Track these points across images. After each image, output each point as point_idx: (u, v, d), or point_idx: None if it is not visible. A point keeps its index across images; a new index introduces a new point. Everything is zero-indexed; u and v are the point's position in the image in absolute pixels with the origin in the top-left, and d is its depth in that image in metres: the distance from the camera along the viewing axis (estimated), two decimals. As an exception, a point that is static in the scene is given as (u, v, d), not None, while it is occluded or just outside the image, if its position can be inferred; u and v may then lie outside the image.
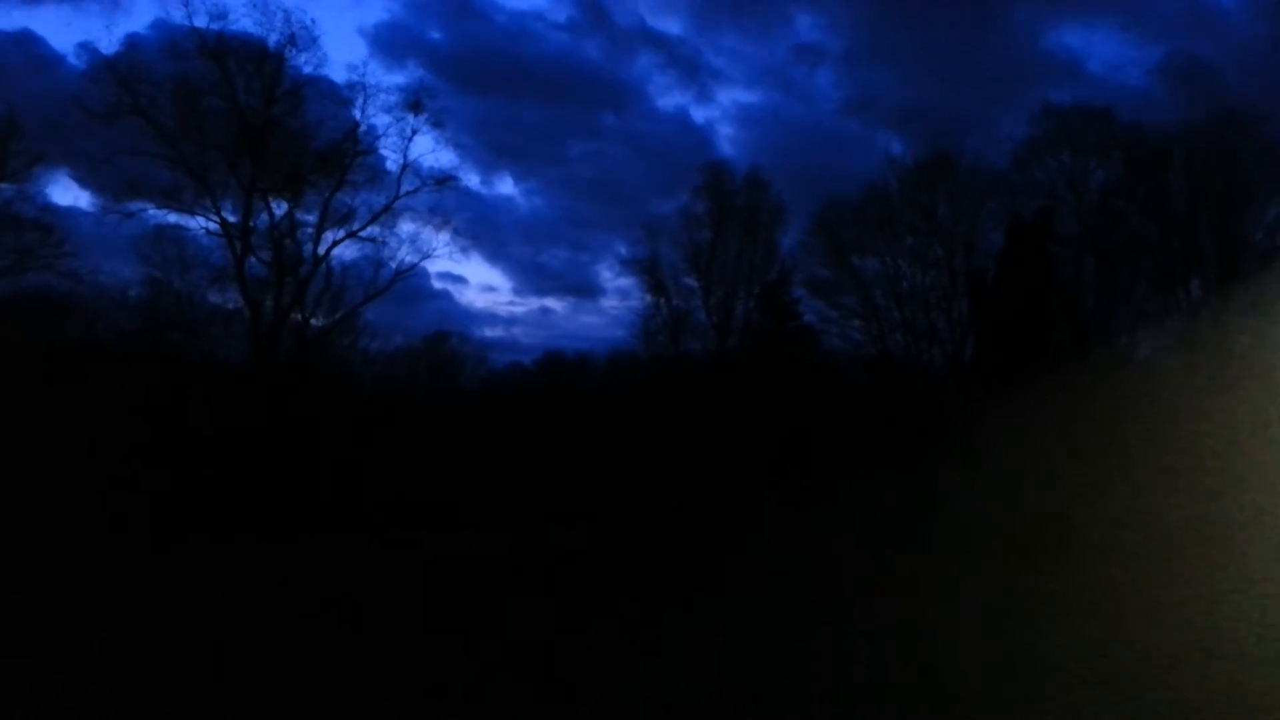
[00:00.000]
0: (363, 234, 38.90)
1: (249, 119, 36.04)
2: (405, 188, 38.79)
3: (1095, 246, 40.46)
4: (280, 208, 37.56)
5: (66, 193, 73.99)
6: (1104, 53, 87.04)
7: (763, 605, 13.57)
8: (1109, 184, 41.07)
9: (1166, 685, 8.35)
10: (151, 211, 36.09)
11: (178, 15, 41.99)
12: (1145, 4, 74.19)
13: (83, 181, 41.89)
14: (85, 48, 68.78)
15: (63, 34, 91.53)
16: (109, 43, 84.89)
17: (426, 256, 40.79)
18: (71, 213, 47.87)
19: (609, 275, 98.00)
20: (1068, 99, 47.50)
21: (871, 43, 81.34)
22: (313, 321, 39.26)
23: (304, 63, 38.28)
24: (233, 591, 17.36)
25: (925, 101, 71.07)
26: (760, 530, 24.64)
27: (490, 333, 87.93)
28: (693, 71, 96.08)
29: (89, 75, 35.64)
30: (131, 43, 38.78)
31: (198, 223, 36.77)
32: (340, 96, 39.04)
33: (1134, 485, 16.92)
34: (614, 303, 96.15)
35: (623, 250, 74.93)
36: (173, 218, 36.68)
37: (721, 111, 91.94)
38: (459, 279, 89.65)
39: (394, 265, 39.51)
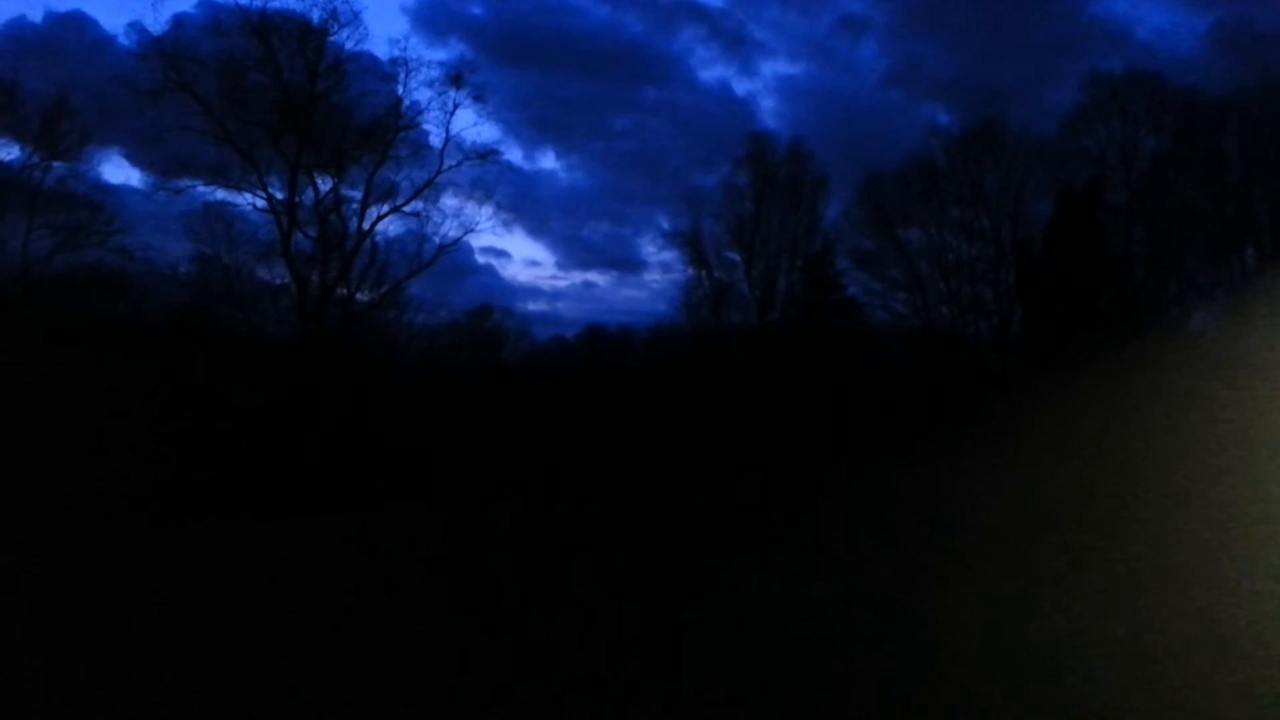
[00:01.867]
0: (406, 209, 39.34)
1: (293, 95, 36.41)
2: (448, 162, 39.09)
3: (1146, 216, 39.69)
4: (325, 183, 38.06)
5: (118, 171, 75.27)
6: (1153, 19, 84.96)
7: (797, 583, 13.55)
8: (1160, 152, 40.19)
9: (1220, 671, 8.23)
10: (200, 188, 36.65)
11: (222, -8, 42.05)
12: (1196, -33, 72.19)
13: (133, 159, 42.71)
14: (134, 27, 69.54)
15: (114, 14, 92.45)
16: (156, 22, 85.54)
17: (469, 231, 41.18)
18: (123, 190, 48.90)
19: (651, 249, 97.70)
20: (1116, 67, 46.51)
21: (916, 12, 79.85)
22: (358, 296, 39.75)
23: (346, 38, 38.34)
24: (282, 564, 17.71)
25: (970, 71, 69.74)
26: (799, 506, 24.58)
27: (533, 307, 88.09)
28: (735, 44, 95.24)
29: (138, 54, 36.03)
30: (179, 21, 39.10)
31: (245, 199, 37.36)
32: (382, 72, 39.57)
33: (1185, 463, 16.66)
34: (656, 276, 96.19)
35: (665, 224, 74.90)
36: (220, 194, 37.25)
37: (764, 84, 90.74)
38: (502, 253, 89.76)
39: (437, 240, 39.77)
